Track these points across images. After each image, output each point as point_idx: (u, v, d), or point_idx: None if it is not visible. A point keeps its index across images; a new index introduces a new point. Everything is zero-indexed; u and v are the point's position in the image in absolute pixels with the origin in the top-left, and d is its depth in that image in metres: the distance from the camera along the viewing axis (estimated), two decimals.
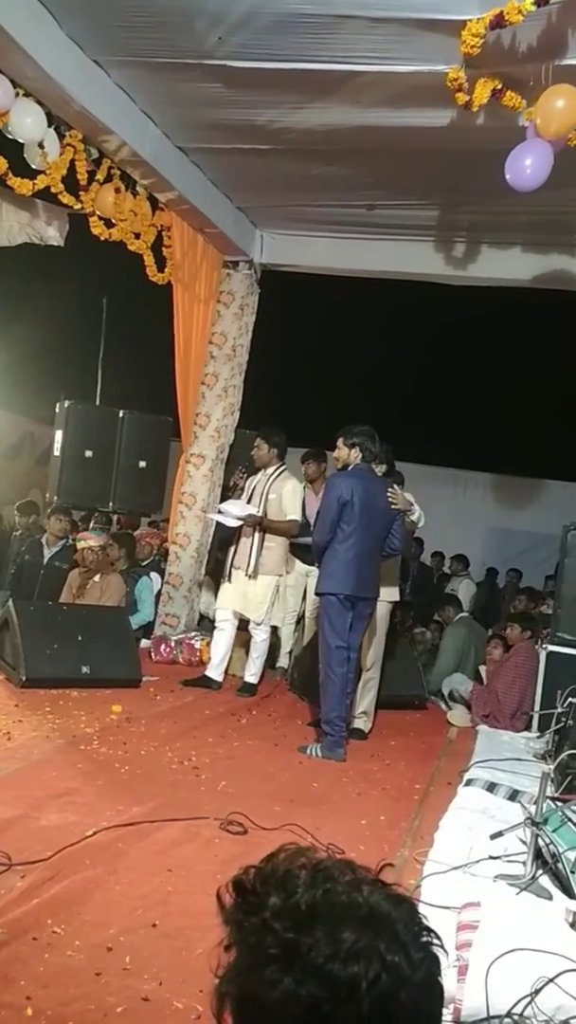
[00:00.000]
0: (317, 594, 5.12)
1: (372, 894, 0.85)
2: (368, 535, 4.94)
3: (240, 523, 6.02)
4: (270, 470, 6.09)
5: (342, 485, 4.95)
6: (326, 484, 5.39)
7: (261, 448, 6.13)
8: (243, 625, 6.22)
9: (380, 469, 5.52)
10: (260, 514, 5.94)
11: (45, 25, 4.68)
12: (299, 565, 6.68)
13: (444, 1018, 2.27)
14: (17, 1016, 2.08)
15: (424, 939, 0.84)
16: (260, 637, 6.08)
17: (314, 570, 6.67)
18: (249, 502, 6.07)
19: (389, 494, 5.10)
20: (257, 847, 3.25)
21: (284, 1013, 0.79)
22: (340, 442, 5.08)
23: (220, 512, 6.26)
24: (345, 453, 5.06)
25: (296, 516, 5.98)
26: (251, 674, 6.10)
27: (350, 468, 5.06)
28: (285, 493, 5.98)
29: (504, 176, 4.50)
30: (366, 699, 5.52)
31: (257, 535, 5.97)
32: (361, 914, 0.82)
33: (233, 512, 6.05)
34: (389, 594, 5.55)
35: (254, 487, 6.11)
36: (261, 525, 5.93)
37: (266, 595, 6.01)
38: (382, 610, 5.53)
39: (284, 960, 0.80)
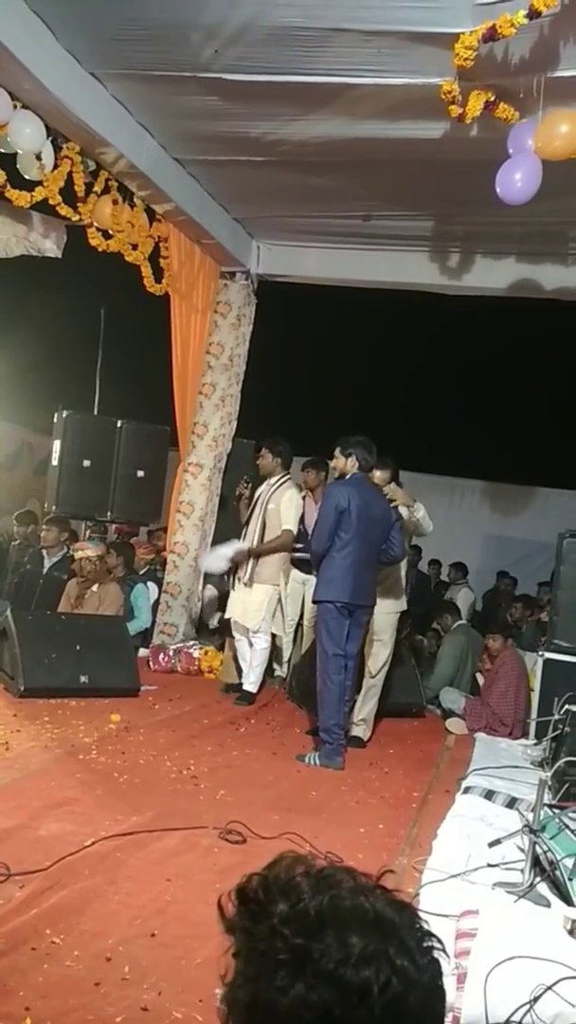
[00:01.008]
0: (315, 602, 5.14)
1: (376, 900, 0.86)
2: (365, 543, 4.97)
3: (231, 563, 6.06)
4: (273, 479, 6.12)
5: (340, 494, 4.99)
6: (324, 493, 5.43)
7: (265, 457, 6.17)
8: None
9: (385, 475, 5.54)
10: (247, 544, 6.03)
11: (42, 38, 4.72)
12: (296, 574, 6.70)
13: None
14: None
15: (427, 943, 0.85)
16: (260, 645, 6.10)
17: (311, 579, 6.70)
18: (253, 511, 6.11)
19: (387, 491, 5.13)
20: (256, 856, 3.25)
21: (296, 1019, 0.79)
22: (337, 452, 5.14)
23: (209, 560, 6.35)
24: (342, 463, 5.12)
25: (289, 526, 6.00)
26: (249, 683, 6.11)
27: (347, 477, 5.10)
28: (282, 503, 6.01)
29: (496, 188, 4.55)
30: (367, 707, 5.54)
31: (255, 544, 6.01)
32: (368, 919, 0.83)
33: (224, 553, 6.10)
34: (397, 605, 5.58)
35: (258, 497, 6.15)
36: (252, 554, 5.98)
37: (262, 604, 6.03)
38: (389, 620, 5.56)
39: (295, 966, 0.80)
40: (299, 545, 6.44)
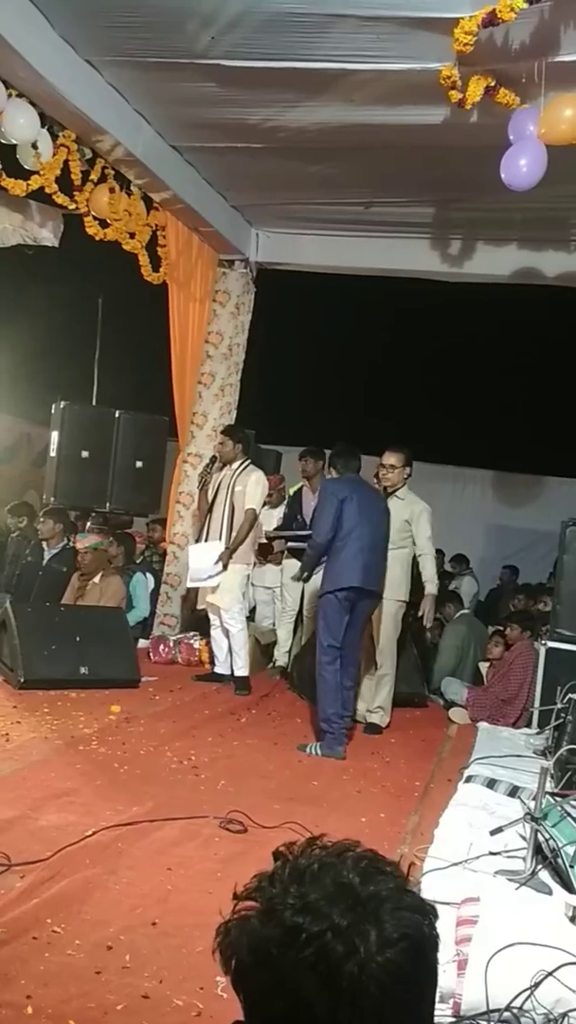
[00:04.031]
0: (320, 595, 5.12)
1: (369, 878, 0.86)
2: (371, 529, 5.01)
3: (220, 570, 6.02)
4: (235, 464, 6.20)
5: (338, 486, 5.07)
6: (321, 488, 5.49)
7: (226, 444, 6.26)
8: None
9: (405, 471, 5.57)
10: (220, 543, 6.04)
11: (37, 25, 4.68)
12: (295, 564, 6.68)
13: (444, 1012, 2.27)
14: (18, 1014, 2.09)
15: (405, 930, 0.84)
16: (235, 629, 6.11)
17: None
18: (216, 497, 6.17)
19: None
20: (257, 845, 3.25)
21: (240, 951, 0.86)
22: (327, 468, 5.48)
23: (197, 579, 6.20)
24: (335, 474, 5.30)
25: (254, 505, 6.09)
26: (239, 668, 6.13)
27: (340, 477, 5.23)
28: (249, 484, 6.09)
29: (499, 174, 4.52)
30: (381, 694, 5.59)
31: (225, 527, 6.06)
32: (339, 882, 0.85)
33: (207, 568, 6.04)
34: (400, 594, 5.60)
35: (220, 481, 6.22)
36: (232, 550, 6.00)
37: (233, 583, 6.07)
38: (392, 609, 5.59)
39: (261, 909, 0.87)
40: (303, 533, 6.43)
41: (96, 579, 6.40)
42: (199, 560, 6.13)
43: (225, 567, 6.02)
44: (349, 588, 4.92)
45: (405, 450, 5.66)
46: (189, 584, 6.38)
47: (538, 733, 5.67)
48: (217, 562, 6.01)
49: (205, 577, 6.11)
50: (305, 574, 5.43)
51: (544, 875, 3.12)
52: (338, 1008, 0.80)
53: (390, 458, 5.58)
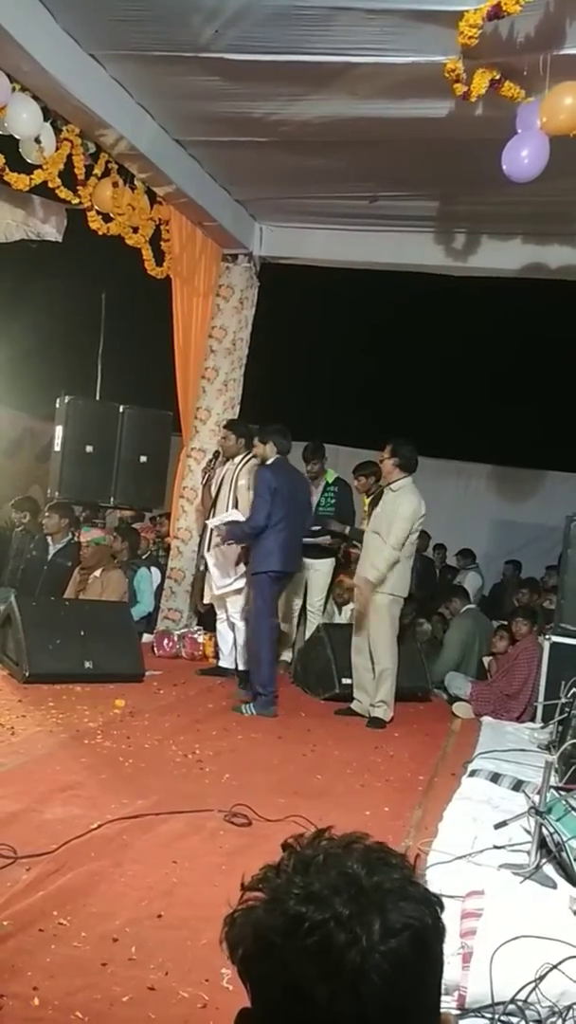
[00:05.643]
0: (254, 574, 5.57)
1: (384, 872, 0.86)
2: (293, 517, 5.56)
3: (243, 571, 6.01)
4: (238, 459, 6.23)
5: (271, 477, 5.56)
6: (258, 476, 5.74)
7: (229, 439, 6.29)
8: None
9: (392, 462, 5.65)
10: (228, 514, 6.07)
11: (41, 19, 4.67)
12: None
13: (449, 1005, 2.28)
14: (24, 1006, 2.10)
15: (407, 922, 0.83)
16: (241, 623, 6.12)
17: (315, 563, 6.74)
18: (218, 492, 6.21)
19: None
20: (261, 839, 3.27)
21: (243, 935, 0.86)
22: (256, 440, 5.79)
23: (223, 587, 6.13)
24: (261, 449, 5.68)
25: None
26: (244, 663, 6.13)
27: (270, 462, 5.63)
28: (252, 477, 6.07)
29: (502, 167, 4.51)
30: (383, 689, 5.63)
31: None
32: (347, 872, 0.85)
33: (230, 574, 6.07)
34: (397, 589, 5.62)
35: (223, 476, 6.25)
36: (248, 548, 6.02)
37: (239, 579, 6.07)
38: (386, 602, 5.60)
39: (266, 896, 0.87)
40: (316, 528, 6.41)
41: (97, 573, 6.41)
42: (221, 567, 6.10)
43: (247, 564, 6.03)
44: (277, 571, 5.53)
45: (394, 442, 5.69)
46: (216, 592, 6.21)
47: (542, 727, 5.69)
48: (238, 564, 6.02)
49: (231, 581, 6.08)
50: (231, 541, 5.81)
51: (548, 869, 3.13)
52: (339, 996, 0.80)
53: (383, 451, 5.75)
